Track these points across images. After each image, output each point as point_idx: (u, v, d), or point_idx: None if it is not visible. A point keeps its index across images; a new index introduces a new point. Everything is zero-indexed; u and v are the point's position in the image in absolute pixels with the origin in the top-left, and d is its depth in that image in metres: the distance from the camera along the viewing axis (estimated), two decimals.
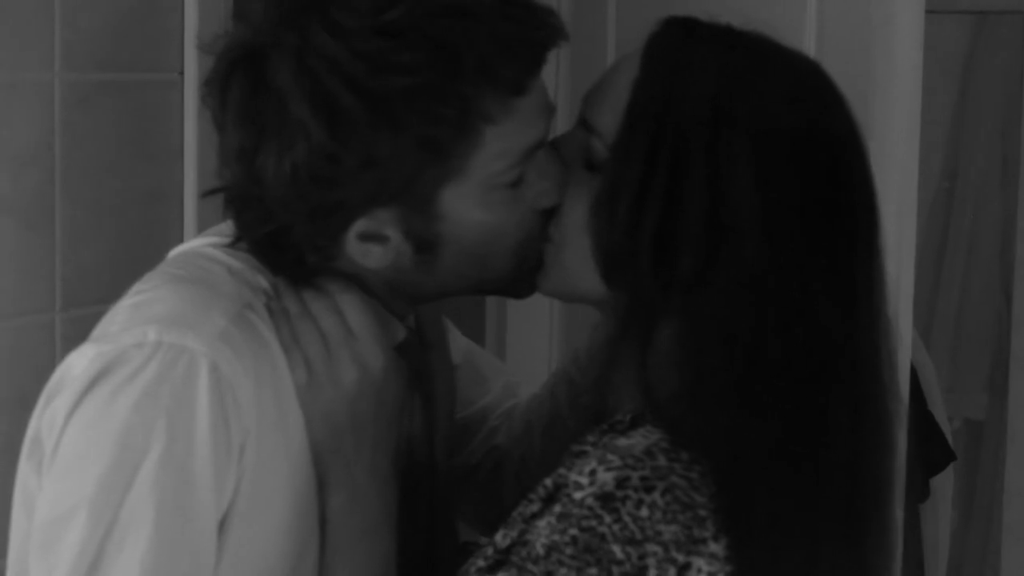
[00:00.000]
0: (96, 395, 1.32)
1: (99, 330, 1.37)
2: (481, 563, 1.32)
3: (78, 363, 1.34)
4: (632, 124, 1.34)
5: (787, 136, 1.34)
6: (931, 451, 2.76)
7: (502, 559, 1.32)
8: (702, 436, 1.31)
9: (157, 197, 1.88)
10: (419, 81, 1.29)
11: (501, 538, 1.32)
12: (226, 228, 1.46)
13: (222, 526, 1.36)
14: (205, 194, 1.44)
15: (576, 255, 1.39)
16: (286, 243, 1.38)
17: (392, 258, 1.38)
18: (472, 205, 1.36)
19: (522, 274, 1.44)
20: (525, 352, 2.46)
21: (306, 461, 1.40)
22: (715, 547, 1.28)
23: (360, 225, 1.36)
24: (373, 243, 1.37)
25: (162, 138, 1.88)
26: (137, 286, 1.40)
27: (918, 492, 2.71)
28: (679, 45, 1.37)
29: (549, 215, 1.42)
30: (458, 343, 1.72)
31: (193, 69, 1.87)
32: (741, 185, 1.32)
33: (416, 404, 1.53)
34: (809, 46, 1.93)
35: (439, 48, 1.30)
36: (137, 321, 1.34)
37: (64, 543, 1.32)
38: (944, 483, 2.86)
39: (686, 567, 1.27)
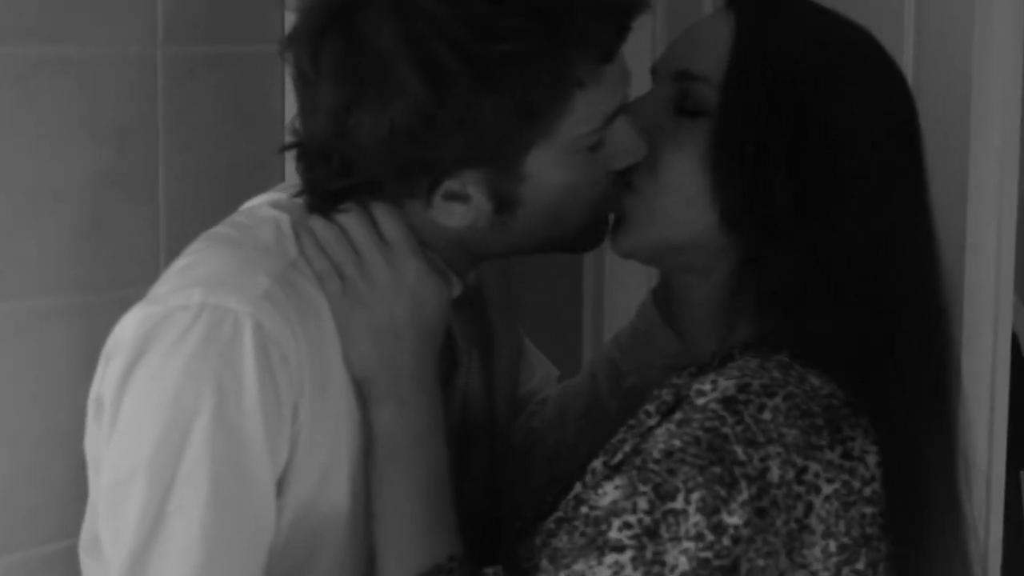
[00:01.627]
0: (148, 359, 1.35)
1: (150, 292, 1.40)
2: (580, 488, 1.33)
3: (128, 325, 1.38)
4: (744, 64, 1.41)
5: (882, 83, 1.45)
6: None
7: (616, 469, 1.33)
8: (833, 350, 1.36)
9: (259, 168, 1.89)
10: (521, 47, 1.31)
11: (602, 464, 1.35)
12: (289, 184, 1.49)
13: (280, 485, 1.38)
14: (283, 148, 1.46)
15: (677, 199, 1.43)
16: (356, 198, 1.40)
17: (472, 217, 1.40)
18: (554, 167, 1.39)
19: (586, 232, 1.47)
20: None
21: (346, 412, 1.42)
22: (831, 455, 1.31)
23: (447, 185, 1.37)
24: (456, 202, 1.39)
25: (264, 109, 1.90)
26: (189, 248, 1.43)
27: (1021, 457, 2.68)
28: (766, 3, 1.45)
29: (621, 173, 1.44)
30: None
31: None
32: (862, 122, 1.41)
33: (474, 361, 1.53)
34: (907, 45, 1.92)
35: (541, 15, 1.32)
36: (183, 283, 1.37)
37: (127, 506, 1.35)
38: None
39: (803, 471, 1.30)
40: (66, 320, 1.73)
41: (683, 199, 1.43)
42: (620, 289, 2.45)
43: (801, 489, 1.29)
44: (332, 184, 1.41)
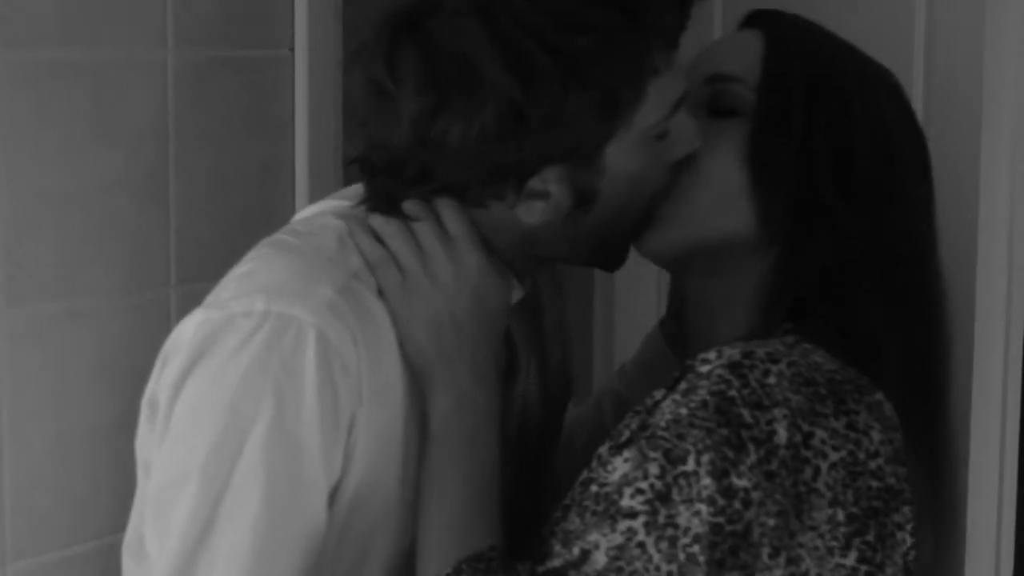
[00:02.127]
0: (207, 364, 1.34)
1: (211, 296, 1.39)
2: (595, 467, 1.34)
3: (188, 328, 1.37)
4: (781, 64, 1.46)
5: (899, 93, 1.53)
6: None
7: (623, 445, 1.33)
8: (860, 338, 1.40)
9: (269, 172, 1.89)
10: (604, 38, 1.33)
11: (607, 449, 1.34)
12: (350, 192, 1.48)
13: (333, 494, 1.37)
14: (350, 162, 1.46)
15: (713, 196, 1.45)
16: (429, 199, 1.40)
17: (552, 213, 1.40)
18: (629, 158, 1.40)
19: (631, 240, 1.48)
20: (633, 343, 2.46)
21: (411, 430, 1.41)
22: (836, 424, 1.32)
23: (531, 184, 1.38)
24: (538, 200, 1.39)
25: (274, 113, 1.90)
26: (249, 254, 1.42)
27: None
28: (789, 18, 1.53)
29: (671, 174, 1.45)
30: None
31: (304, 45, 1.89)
32: (893, 124, 1.48)
33: (533, 367, 1.53)
34: (918, 47, 1.93)
35: (619, 4, 1.34)
36: (246, 290, 1.36)
37: (176, 510, 1.34)
38: None
39: (810, 435, 1.31)
40: (78, 324, 1.73)
41: (719, 196, 1.45)
42: (630, 308, 2.45)
43: (808, 453, 1.30)
44: (407, 192, 1.40)
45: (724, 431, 1.29)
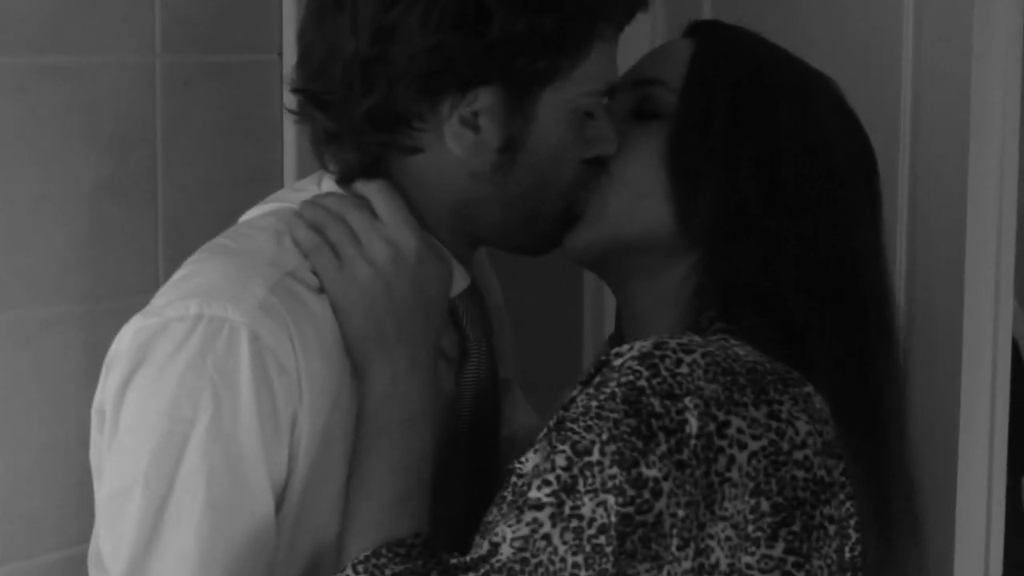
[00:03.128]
0: (145, 371, 1.36)
1: (150, 303, 1.40)
2: (516, 462, 1.34)
3: (126, 336, 1.39)
4: (704, 68, 1.48)
5: (836, 103, 1.52)
6: None
7: (541, 439, 1.33)
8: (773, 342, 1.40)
9: (258, 177, 1.89)
10: None
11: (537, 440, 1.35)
12: (287, 194, 1.50)
13: (283, 496, 1.38)
14: (294, 90, 1.47)
15: (631, 195, 1.47)
16: (377, 136, 1.42)
17: (478, 151, 1.42)
18: (558, 116, 1.43)
19: (565, 224, 1.49)
20: None
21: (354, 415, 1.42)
22: (756, 413, 1.31)
23: (467, 101, 1.40)
24: (468, 129, 1.41)
25: (263, 118, 1.90)
26: (187, 260, 1.44)
27: (1017, 467, 2.68)
28: (726, 28, 1.54)
29: (591, 173, 1.48)
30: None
31: (291, 49, 1.87)
32: (827, 123, 1.48)
33: (484, 349, 1.54)
34: (907, 46, 1.93)
35: None
36: (179, 295, 1.38)
37: (126, 516, 1.36)
38: None
39: (726, 424, 1.29)
40: (67, 329, 1.73)
41: (636, 195, 1.46)
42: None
43: (723, 443, 1.29)
44: (349, 115, 1.42)
45: (632, 421, 1.28)
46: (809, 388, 1.36)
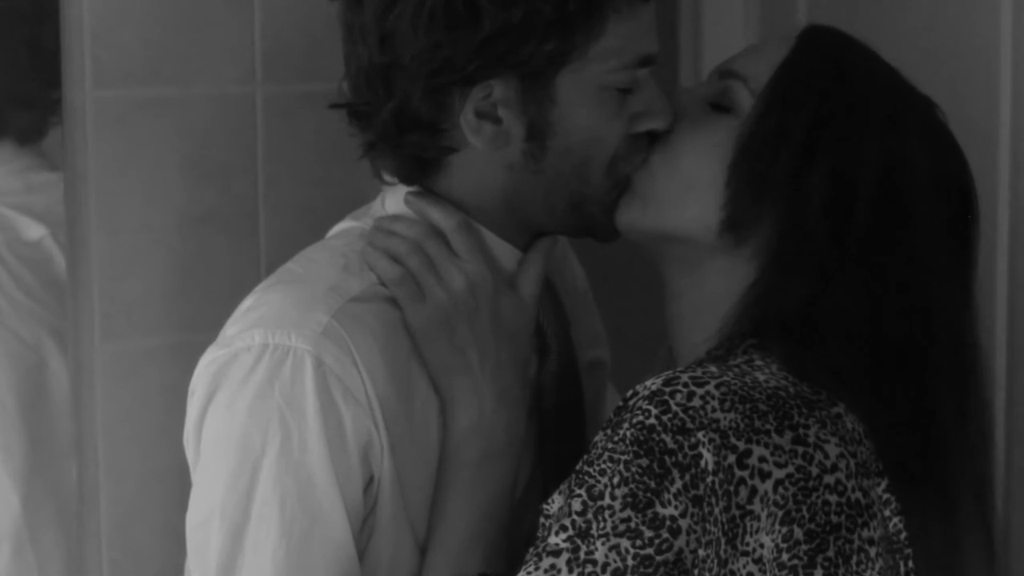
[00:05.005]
0: (217, 402, 1.38)
1: (220, 334, 1.42)
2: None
3: (200, 367, 1.41)
4: (797, 76, 1.41)
5: (935, 146, 1.43)
6: None
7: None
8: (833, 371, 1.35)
9: (358, 203, 1.88)
10: None
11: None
12: (357, 213, 1.52)
13: (373, 519, 1.39)
14: (332, 105, 1.50)
15: (682, 183, 1.43)
16: (408, 140, 1.43)
17: (503, 142, 1.41)
18: (584, 98, 1.41)
19: (613, 204, 1.47)
20: None
21: (436, 437, 1.42)
22: (780, 439, 1.28)
23: (476, 95, 1.39)
24: (487, 121, 1.41)
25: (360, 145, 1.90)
26: (255, 289, 1.46)
27: None
28: (835, 38, 1.46)
29: (641, 146, 1.46)
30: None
31: None
32: (916, 164, 1.39)
33: (560, 344, 1.53)
34: (1005, 55, 1.90)
35: None
36: (246, 324, 1.39)
37: (208, 547, 1.38)
38: None
39: (746, 454, 1.27)
40: (170, 359, 1.74)
41: (687, 185, 1.43)
42: None
43: (744, 473, 1.26)
44: (381, 118, 1.43)
45: (644, 460, 1.25)
46: (839, 408, 1.33)
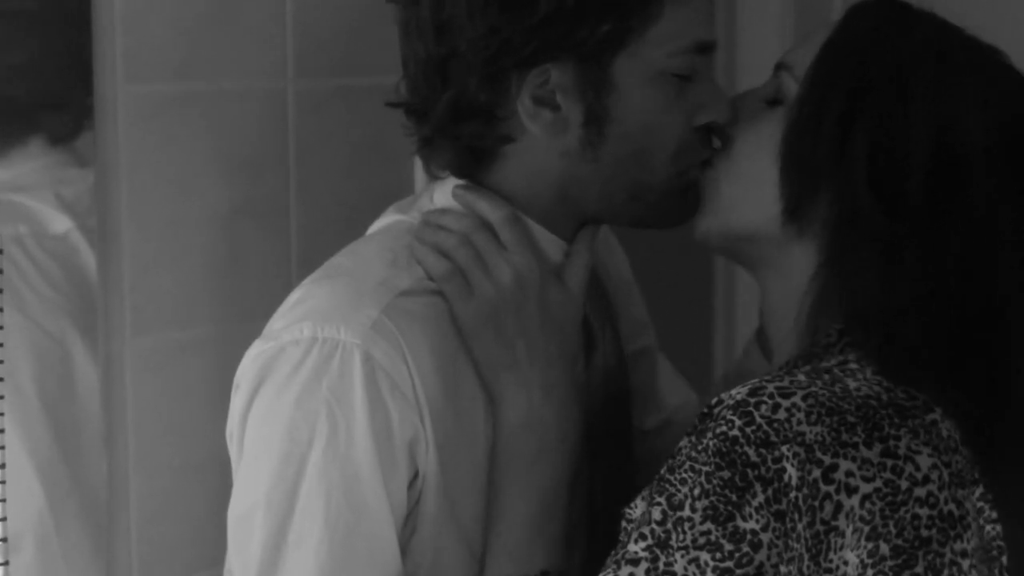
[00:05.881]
0: (263, 395, 1.38)
1: (267, 328, 1.42)
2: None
3: (246, 361, 1.41)
4: (833, 55, 1.38)
5: (1004, 111, 1.37)
6: None
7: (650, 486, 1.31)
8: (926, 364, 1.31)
9: (389, 197, 1.88)
10: None
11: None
12: (404, 206, 1.52)
13: (414, 514, 1.39)
14: (390, 104, 1.51)
15: (742, 183, 1.42)
16: (465, 130, 1.43)
17: (561, 129, 1.41)
18: (641, 82, 1.41)
19: (676, 194, 1.46)
20: None
21: (483, 431, 1.42)
22: (868, 452, 1.25)
23: (533, 80, 1.39)
24: (545, 108, 1.41)
25: (393, 140, 1.89)
26: (303, 281, 1.46)
27: None
28: (884, 10, 1.41)
29: (705, 139, 1.45)
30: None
31: None
32: (969, 127, 1.34)
33: (608, 334, 1.53)
34: None
35: None
36: (294, 318, 1.39)
37: (251, 539, 1.37)
38: None
39: (832, 468, 1.24)
40: (202, 352, 1.75)
41: (747, 184, 1.42)
42: (753, 298, 2.42)
43: (830, 488, 1.24)
44: (438, 116, 1.43)
45: (726, 473, 1.24)
46: (934, 415, 1.31)
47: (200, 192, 1.73)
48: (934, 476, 1.28)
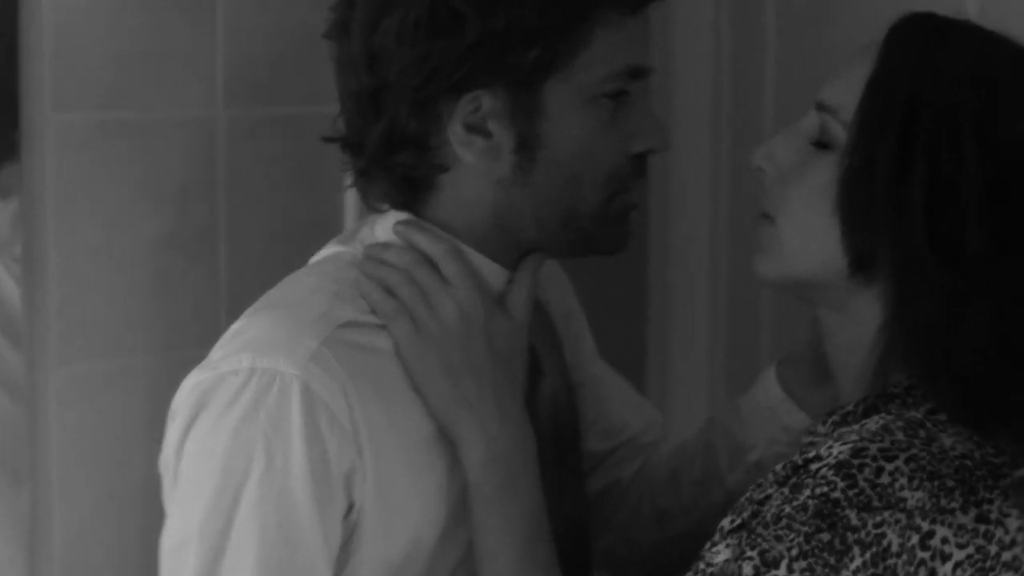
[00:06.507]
0: (201, 424, 1.37)
1: (207, 358, 1.41)
2: (708, 545, 1.29)
3: (184, 389, 1.40)
4: (879, 98, 1.33)
5: None
6: None
7: (733, 531, 1.28)
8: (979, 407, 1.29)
9: (319, 227, 1.90)
10: None
11: (728, 522, 1.29)
12: (346, 238, 1.51)
13: (349, 549, 1.38)
14: (326, 139, 1.52)
15: (800, 233, 1.38)
16: (398, 160, 1.43)
17: (494, 156, 1.42)
18: (572, 108, 1.41)
19: (610, 220, 1.46)
20: (687, 383, 2.43)
21: (429, 463, 1.42)
22: (964, 518, 1.25)
23: (464, 107, 1.40)
24: (476, 135, 1.41)
25: (324, 170, 1.90)
26: (245, 312, 1.45)
27: None
28: (925, 34, 1.36)
29: (641, 167, 1.46)
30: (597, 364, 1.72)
31: None
32: (1017, 163, 1.31)
33: (555, 365, 1.53)
34: None
35: None
36: (233, 348, 1.39)
37: (184, 570, 1.36)
38: None
39: (930, 535, 1.23)
40: (129, 382, 1.74)
41: (806, 235, 1.37)
42: (686, 311, 2.43)
43: (925, 555, 1.23)
44: (371, 141, 1.43)
45: (826, 535, 1.22)
46: (1021, 471, 1.29)
47: (129, 221, 1.72)
48: (1019, 538, 1.27)
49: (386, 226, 1.49)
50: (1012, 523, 1.27)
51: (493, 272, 1.47)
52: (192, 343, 1.77)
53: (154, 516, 1.71)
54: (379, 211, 1.50)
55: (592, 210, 1.45)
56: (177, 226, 1.77)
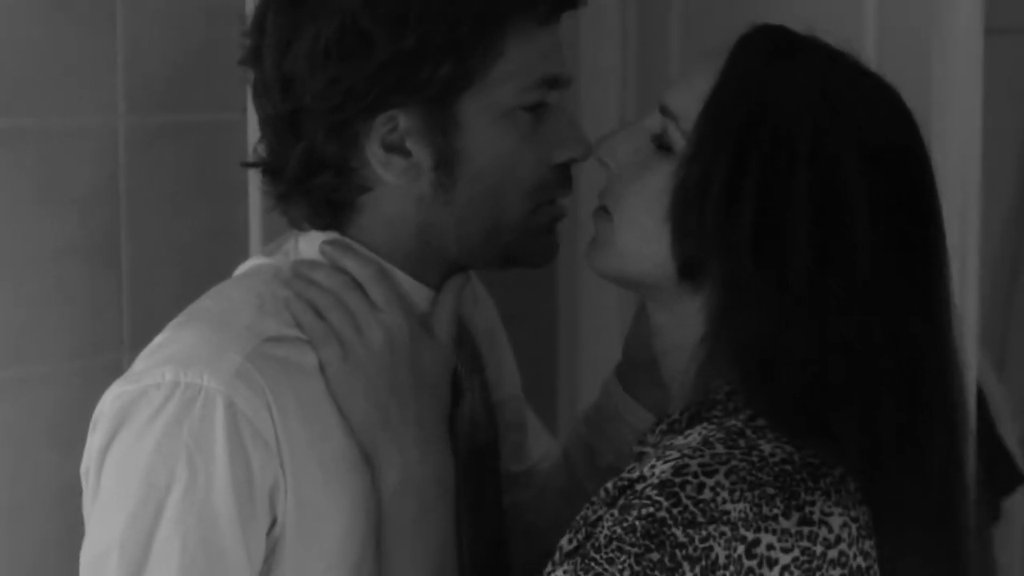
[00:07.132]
0: (123, 436, 1.36)
1: (130, 369, 1.41)
2: (549, 568, 1.31)
3: (106, 401, 1.39)
4: (718, 116, 1.36)
5: (888, 150, 1.36)
6: (999, 473, 2.74)
7: (569, 555, 1.30)
8: (809, 429, 1.31)
9: (222, 236, 1.90)
10: None
11: (567, 542, 1.31)
12: (272, 249, 1.51)
13: (270, 564, 1.38)
14: (245, 164, 1.53)
15: (634, 232, 1.40)
16: (318, 183, 1.43)
17: (414, 175, 1.42)
18: (490, 121, 1.41)
19: (535, 232, 1.47)
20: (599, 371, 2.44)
21: (350, 482, 1.42)
22: (787, 523, 1.27)
23: (381, 127, 1.40)
24: (397, 155, 1.41)
25: (226, 177, 1.90)
26: (169, 324, 1.44)
27: (988, 514, 2.69)
28: (768, 51, 1.39)
29: (565, 178, 1.46)
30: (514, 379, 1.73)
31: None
32: (851, 194, 1.33)
33: (476, 386, 1.54)
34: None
35: None
36: (156, 361, 1.38)
37: None
38: (1014, 507, 2.83)
39: (755, 543, 1.26)
40: (30, 390, 1.72)
41: (642, 235, 1.40)
42: (596, 317, 2.45)
43: (752, 563, 1.26)
44: (291, 165, 1.43)
45: (655, 555, 1.25)
46: (840, 470, 1.31)
47: (30, 229, 1.71)
48: (844, 534, 1.30)
49: (312, 244, 1.48)
50: (835, 521, 1.30)
51: (418, 292, 1.47)
52: (93, 351, 1.77)
53: (58, 526, 1.70)
54: (305, 232, 1.50)
55: (516, 223, 1.46)
56: (79, 234, 1.75)
